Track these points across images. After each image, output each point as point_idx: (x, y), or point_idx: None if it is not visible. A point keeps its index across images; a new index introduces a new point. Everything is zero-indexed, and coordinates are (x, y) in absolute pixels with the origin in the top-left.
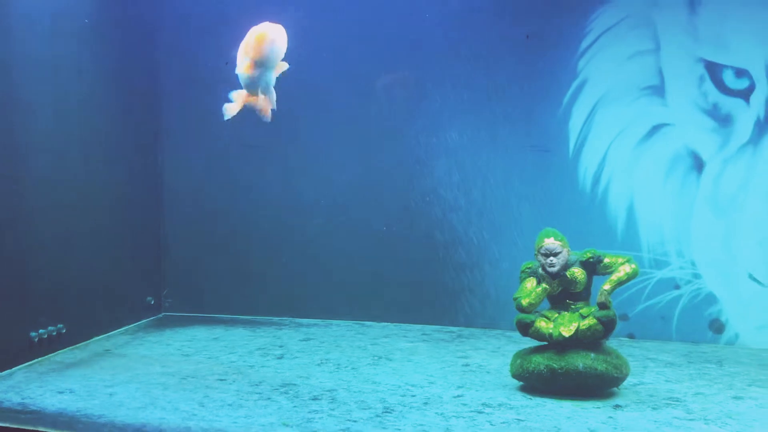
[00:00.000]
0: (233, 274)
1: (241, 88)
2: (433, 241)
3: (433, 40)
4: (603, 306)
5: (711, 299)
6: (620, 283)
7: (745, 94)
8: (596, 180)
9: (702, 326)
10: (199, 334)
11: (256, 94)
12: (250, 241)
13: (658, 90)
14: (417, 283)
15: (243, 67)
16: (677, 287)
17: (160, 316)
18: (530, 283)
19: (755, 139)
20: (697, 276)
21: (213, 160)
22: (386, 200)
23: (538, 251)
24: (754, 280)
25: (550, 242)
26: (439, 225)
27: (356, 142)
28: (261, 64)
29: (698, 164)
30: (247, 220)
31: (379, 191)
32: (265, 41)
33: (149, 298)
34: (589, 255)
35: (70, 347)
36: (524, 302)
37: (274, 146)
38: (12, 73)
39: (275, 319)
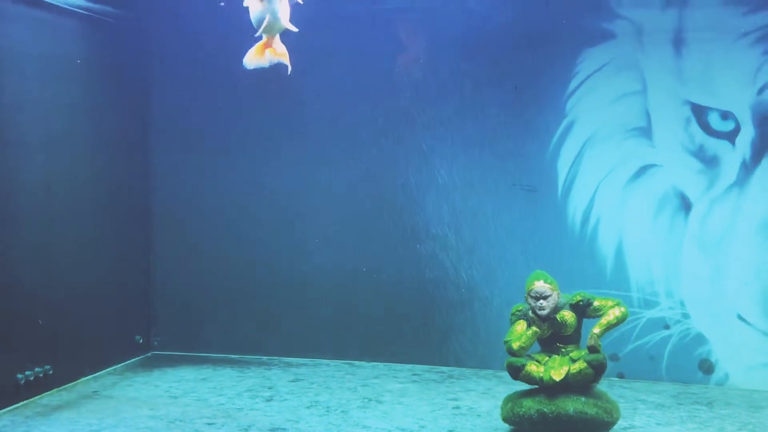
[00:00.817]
0: (222, 312)
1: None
2: (423, 279)
3: (424, 80)
4: (593, 349)
5: (700, 339)
6: (610, 326)
7: (731, 136)
8: (585, 219)
9: (692, 366)
10: (188, 374)
11: (275, 33)
12: (239, 280)
13: (646, 131)
14: (407, 321)
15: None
16: (667, 327)
17: (149, 355)
18: (520, 326)
19: (741, 180)
20: (686, 316)
21: (203, 199)
22: (376, 237)
23: (528, 294)
24: (743, 320)
25: (540, 285)
26: (429, 262)
27: (346, 179)
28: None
29: (686, 205)
30: (236, 258)
31: (369, 228)
32: None
33: (138, 337)
34: (578, 298)
35: (57, 389)
36: (515, 345)
37: (265, 185)
38: (2, 116)
39: (264, 358)
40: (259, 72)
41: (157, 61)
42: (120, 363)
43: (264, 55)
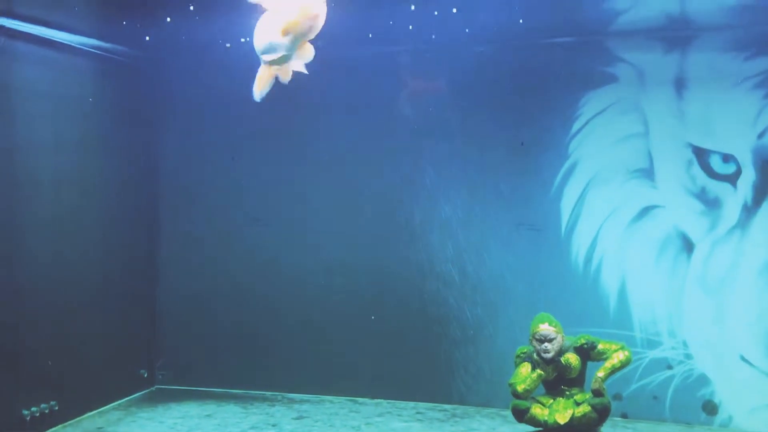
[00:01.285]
0: (226, 347)
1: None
2: (427, 316)
3: (429, 119)
4: (597, 393)
5: (703, 380)
6: (614, 370)
7: (732, 179)
8: (588, 259)
9: (695, 407)
10: (192, 410)
11: (282, 64)
12: (243, 315)
13: (648, 173)
14: (411, 358)
15: (278, 32)
16: (670, 367)
17: (153, 389)
18: (525, 368)
19: (743, 222)
20: (689, 356)
21: (208, 233)
22: (380, 273)
23: (533, 336)
24: (746, 361)
25: (545, 328)
26: (433, 300)
27: (350, 214)
28: (297, 35)
29: (688, 246)
30: (241, 292)
31: (374, 264)
32: (312, 13)
33: (142, 371)
34: (583, 341)
35: (62, 424)
36: (519, 388)
37: (269, 222)
38: (13, 155)
39: (268, 394)
40: (268, 114)
41: (168, 102)
42: (124, 398)
43: (268, 79)
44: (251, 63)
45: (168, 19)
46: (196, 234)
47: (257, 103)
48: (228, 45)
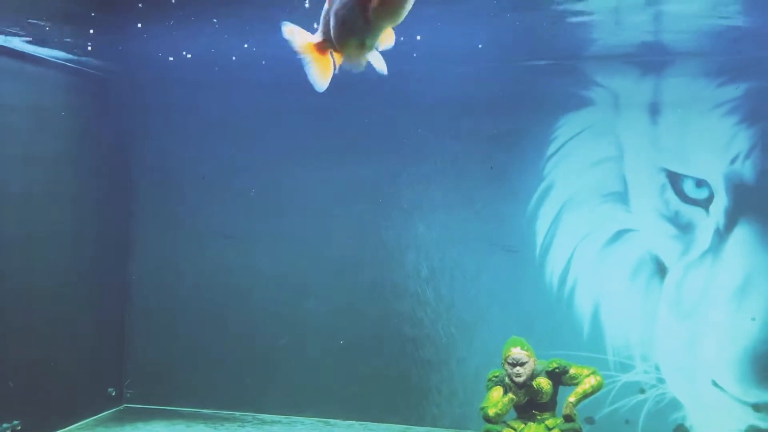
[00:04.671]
0: (197, 366)
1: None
2: (401, 337)
3: (407, 140)
4: (568, 418)
5: (675, 405)
6: (586, 395)
7: (705, 204)
8: (562, 281)
9: (667, 431)
10: (160, 430)
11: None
12: (214, 334)
13: (622, 196)
14: (384, 379)
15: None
16: (642, 391)
17: (121, 408)
18: (497, 392)
19: (715, 247)
20: (661, 380)
21: (180, 251)
22: (355, 293)
23: (505, 360)
24: (717, 386)
25: (517, 352)
26: (407, 320)
27: (325, 234)
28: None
29: (661, 269)
30: (212, 311)
31: (348, 284)
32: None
33: (111, 389)
34: (555, 365)
35: None
36: (491, 412)
37: (245, 237)
38: None
39: (238, 414)
40: (241, 132)
41: (141, 117)
42: (91, 417)
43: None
44: (228, 78)
45: (144, 34)
46: (167, 251)
47: (230, 120)
48: (216, 68)
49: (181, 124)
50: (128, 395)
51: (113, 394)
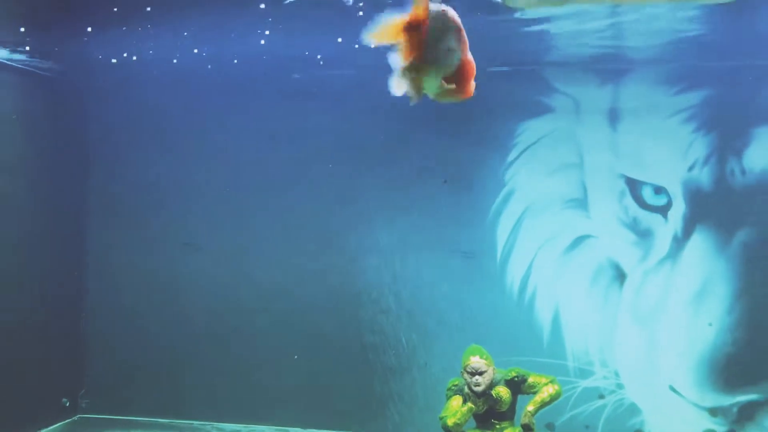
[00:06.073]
0: (154, 374)
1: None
2: (363, 343)
3: (367, 145)
4: (527, 428)
5: (634, 410)
6: (544, 404)
7: (663, 210)
8: (523, 287)
9: None
10: None
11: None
12: (172, 341)
13: (582, 203)
14: (345, 387)
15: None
16: (602, 397)
17: (75, 418)
18: (456, 401)
19: (673, 253)
20: (620, 386)
21: (137, 258)
22: (315, 300)
23: (464, 369)
24: (675, 391)
25: (476, 361)
26: (368, 327)
27: (287, 240)
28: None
29: (620, 275)
30: (169, 319)
31: (310, 290)
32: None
33: (65, 400)
34: (513, 374)
35: None
36: (450, 422)
37: (205, 245)
38: None
39: (196, 423)
40: (202, 138)
41: (96, 119)
42: (44, 428)
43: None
44: (185, 79)
45: (93, 33)
46: (123, 259)
47: (190, 126)
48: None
49: (137, 127)
50: (83, 405)
51: (67, 404)
